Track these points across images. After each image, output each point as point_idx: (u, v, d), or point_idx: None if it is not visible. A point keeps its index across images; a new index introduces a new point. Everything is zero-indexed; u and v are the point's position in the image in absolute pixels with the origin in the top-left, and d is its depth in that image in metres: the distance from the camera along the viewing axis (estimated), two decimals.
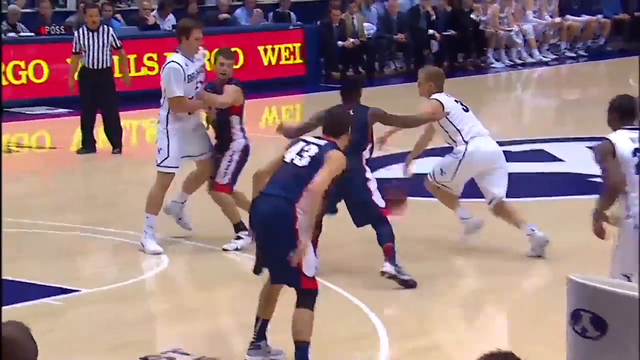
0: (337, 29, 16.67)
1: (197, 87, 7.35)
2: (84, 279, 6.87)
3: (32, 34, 14.44)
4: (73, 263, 7.28)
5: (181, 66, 7.22)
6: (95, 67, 10.80)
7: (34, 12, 15.06)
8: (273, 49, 15.93)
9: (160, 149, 7.33)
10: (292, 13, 17.12)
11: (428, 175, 7.53)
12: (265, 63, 15.81)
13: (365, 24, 17.16)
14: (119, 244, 7.51)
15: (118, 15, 15.77)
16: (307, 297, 5.21)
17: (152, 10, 15.84)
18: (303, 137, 5.50)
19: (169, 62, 7.31)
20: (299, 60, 16.21)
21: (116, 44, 10.97)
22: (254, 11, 16.87)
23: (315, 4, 17.93)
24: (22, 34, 14.38)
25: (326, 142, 5.39)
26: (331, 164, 5.27)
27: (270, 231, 5.17)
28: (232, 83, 7.48)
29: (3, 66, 13.29)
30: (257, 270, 5.34)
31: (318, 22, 16.89)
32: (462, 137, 7.29)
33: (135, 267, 7.15)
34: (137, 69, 14.61)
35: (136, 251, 7.28)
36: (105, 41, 10.83)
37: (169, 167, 7.30)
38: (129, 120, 11.95)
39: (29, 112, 13.39)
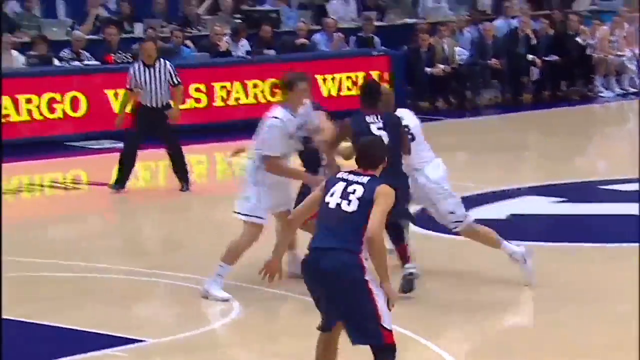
0: (425, 55, 16.76)
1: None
2: (150, 327, 7.01)
3: (98, 62, 14.89)
4: (138, 310, 7.44)
5: (284, 123, 7.31)
6: (154, 105, 10.94)
7: (100, 39, 15.52)
8: (352, 77, 16.05)
9: (247, 197, 7.39)
10: (376, 38, 17.28)
11: None
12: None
13: (456, 49, 17.20)
14: (188, 290, 7.64)
15: (188, 42, 16.15)
16: (388, 354, 5.21)
17: (225, 35, 16.19)
18: (340, 175, 5.45)
19: (270, 117, 7.38)
20: None
21: (173, 81, 11.05)
22: (334, 36, 17.08)
23: (401, 27, 18.05)
24: (86, 62, 14.83)
25: (367, 177, 5.36)
26: (383, 201, 5.26)
27: (340, 289, 5.20)
28: (315, 108, 7.63)
29: (58, 96, 13.68)
30: (325, 328, 5.40)
31: (405, 48, 17.00)
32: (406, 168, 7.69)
33: (205, 315, 7.27)
34: (223, 99, 14.96)
35: (205, 298, 7.40)
36: (163, 77, 10.94)
37: (258, 217, 7.37)
38: (194, 156, 12.23)
39: (92, 147, 13.78)
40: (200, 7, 17.72)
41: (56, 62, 14.77)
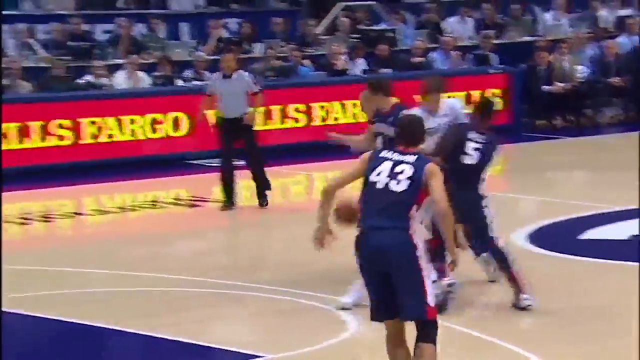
0: (544, 73, 16.53)
1: None
2: (268, 343, 7.07)
3: None
4: (256, 326, 7.52)
5: None
6: (231, 115, 11.09)
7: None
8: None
9: None
10: (494, 55, 17.13)
11: None
12: None
13: (577, 67, 16.91)
14: (307, 307, 7.67)
15: (306, 61, 16.34)
16: (431, 329, 5.30)
17: (342, 54, 16.31)
18: (384, 154, 5.48)
19: None
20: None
21: (253, 89, 11.21)
22: (451, 54, 17.02)
23: (520, 45, 17.85)
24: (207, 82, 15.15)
25: (413, 156, 5.43)
26: (437, 178, 5.38)
27: (395, 266, 5.29)
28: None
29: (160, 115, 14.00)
30: (376, 317, 5.50)
31: (523, 65, 16.81)
32: None
33: (322, 331, 7.27)
34: (323, 119, 15.10)
35: (323, 314, 7.43)
36: (239, 88, 11.09)
37: None
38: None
39: (209, 165, 14.05)
40: (318, 27, 17.92)
41: (179, 82, 15.14)
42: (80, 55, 15.31)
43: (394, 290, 5.33)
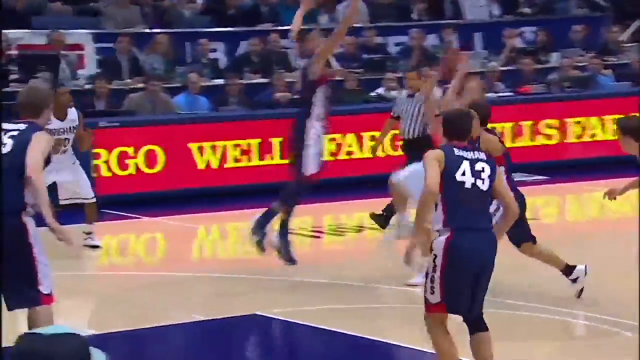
0: None
1: None
2: None
3: (512, 93, 14.42)
4: (524, 344, 6.81)
5: None
6: (407, 135, 10.34)
7: (514, 70, 15.00)
8: None
9: None
10: None
11: None
12: None
13: None
14: (607, 332, 6.99)
15: (607, 70, 15.21)
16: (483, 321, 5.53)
17: None
18: (458, 153, 5.40)
19: None
20: None
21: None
22: None
23: None
24: (500, 94, 14.42)
25: (482, 153, 5.46)
26: (503, 179, 5.59)
27: (489, 266, 5.38)
28: None
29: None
30: (457, 311, 5.49)
31: None
32: None
33: (616, 356, 6.50)
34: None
35: (625, 340, 6.68)
36: (418, 109, 10.25)
37: None
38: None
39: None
40: (623, 34, 16.63)
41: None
42: (373, 68, 14.97)
43: (476, 287, 5.40)
